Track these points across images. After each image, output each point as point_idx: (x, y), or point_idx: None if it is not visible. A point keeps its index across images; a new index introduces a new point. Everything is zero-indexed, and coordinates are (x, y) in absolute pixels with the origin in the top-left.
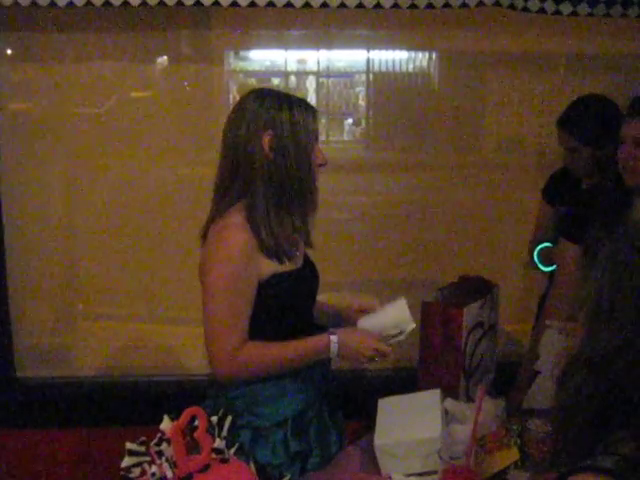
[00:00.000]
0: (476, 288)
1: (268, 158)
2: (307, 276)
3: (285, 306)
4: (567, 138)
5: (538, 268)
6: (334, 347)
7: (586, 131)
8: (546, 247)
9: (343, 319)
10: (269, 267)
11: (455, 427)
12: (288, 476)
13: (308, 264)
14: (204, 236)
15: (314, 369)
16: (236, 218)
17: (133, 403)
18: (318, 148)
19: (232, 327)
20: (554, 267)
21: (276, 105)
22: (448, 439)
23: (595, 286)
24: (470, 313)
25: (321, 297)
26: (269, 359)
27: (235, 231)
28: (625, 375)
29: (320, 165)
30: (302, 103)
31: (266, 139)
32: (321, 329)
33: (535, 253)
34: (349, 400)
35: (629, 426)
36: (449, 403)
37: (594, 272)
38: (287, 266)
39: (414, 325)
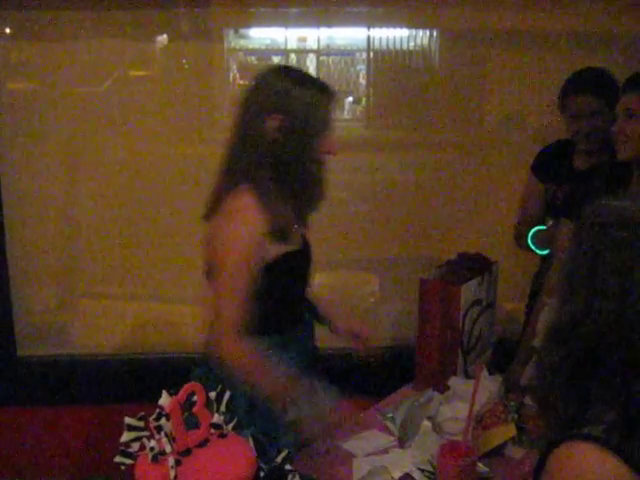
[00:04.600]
0: (475, 265)
1: (274, 139)
2: (307, 256)
3: (288, 285)
4: (589, 101)
5: (531, 250)
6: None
7: (609, 91)
8: (540, 230)
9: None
10: (276, 248)
11: (457, 404)
12: (286, 451)
13: (307, 244)
14: (209, 213)
15: (305, 341)
16: (248, 199)
17: (134, 381)
18: (331, 136)
19: (239, 302)
20: (548, 251)
21: (292, 85)
22: (449, 415)
23: (561, 263)
24: (468, 290)
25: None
26: (251, 367)
27: (250, 213)
28: (587, 346)
29: (328, 154)
30: (322, 86)
31: (275, 119)
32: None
33: (529, 236)
34: (345, 379)
35: (606, 397)
36: (452, 380)
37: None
38: (292, 247)
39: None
